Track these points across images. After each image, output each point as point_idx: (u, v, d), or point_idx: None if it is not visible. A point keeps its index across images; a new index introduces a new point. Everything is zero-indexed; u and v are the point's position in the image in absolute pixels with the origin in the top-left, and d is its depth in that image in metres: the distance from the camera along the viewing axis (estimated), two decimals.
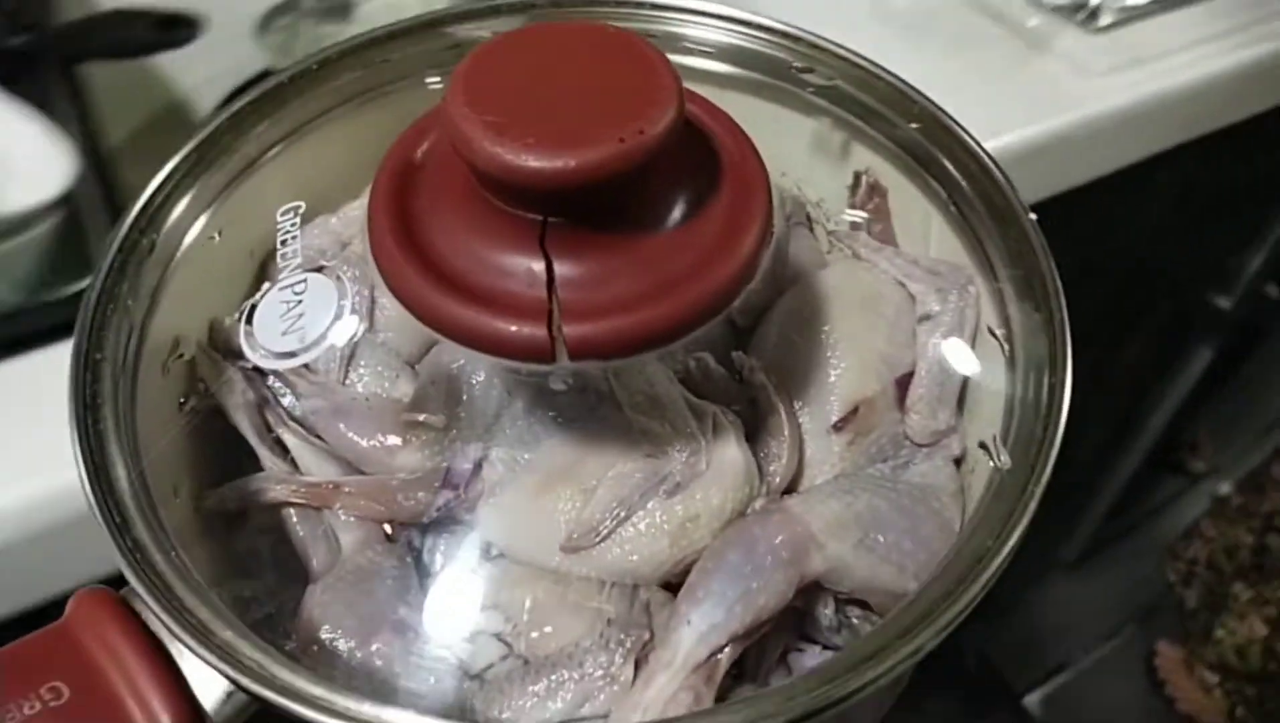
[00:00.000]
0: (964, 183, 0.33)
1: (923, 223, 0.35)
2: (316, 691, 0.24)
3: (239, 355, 0.33)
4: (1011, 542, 0.26)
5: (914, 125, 0.34)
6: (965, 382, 0.34)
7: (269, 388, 0.34)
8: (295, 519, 0.32)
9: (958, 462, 0.33)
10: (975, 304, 0.33)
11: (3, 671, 0.25)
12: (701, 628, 0.28)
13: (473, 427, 0.32)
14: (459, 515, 0.32)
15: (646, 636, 0.29)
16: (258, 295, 0.30)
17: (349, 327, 0.30)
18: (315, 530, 0.32)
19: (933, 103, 0.34)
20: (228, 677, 0.24)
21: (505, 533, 0.31)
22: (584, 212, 0.26)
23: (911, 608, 0.26)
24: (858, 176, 0.37)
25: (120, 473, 0.27)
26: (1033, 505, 0.26)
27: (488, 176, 0.25)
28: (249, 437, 0.32)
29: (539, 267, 0.26)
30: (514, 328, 0.25)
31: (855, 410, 0.33)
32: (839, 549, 0.30)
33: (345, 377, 0.34)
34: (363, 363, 0.34)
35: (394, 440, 0.32)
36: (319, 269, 0.31)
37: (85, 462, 0.27)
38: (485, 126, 0.24)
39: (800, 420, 0.33)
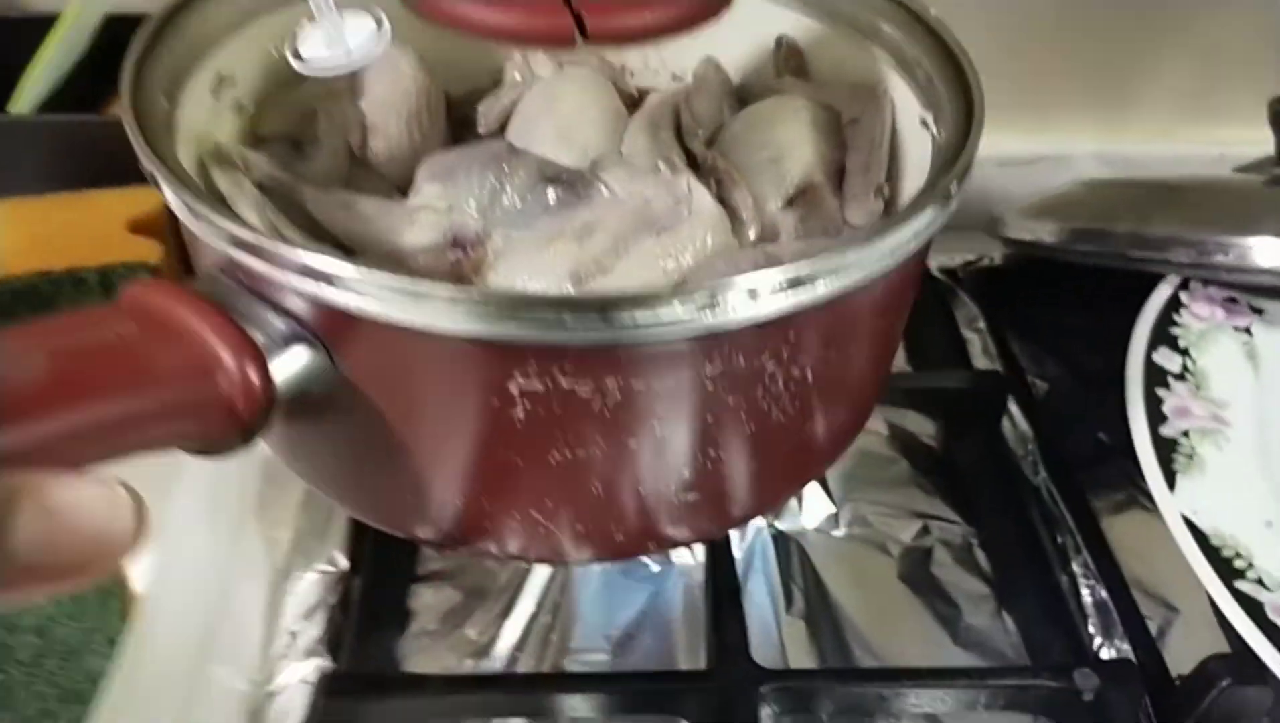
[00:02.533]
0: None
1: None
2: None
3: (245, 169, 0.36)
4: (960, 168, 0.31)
5: None
6: (891, 167, 0.40)
7: (273, 194, 0.36)
8: None
9: None
10: (889, 108, 0.40)
11: (69, 320, 0.25)
12: None
13: (472, 211, 0.35)
14: (467, 277, 0.35)
15: None
16: (298, 29, 0.33)
17: (386, 40, 0.33)
18: None
19: None
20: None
21: (514, 286, 0.34)
22: None
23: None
24: (778, 41, 0.44)
25: None
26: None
27: None
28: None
29: None
30: (539, 18, 0.30)
31: (804, 191, 0.39)
32: None
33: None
34: (362, 190, 0.38)
35: (400, 220, 0.35)
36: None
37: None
38: None
39: (759, 201, 0.38)
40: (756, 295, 0.26)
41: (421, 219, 0.35)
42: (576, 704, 0.40)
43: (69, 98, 0.57)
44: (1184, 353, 0.44)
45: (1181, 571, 0.48)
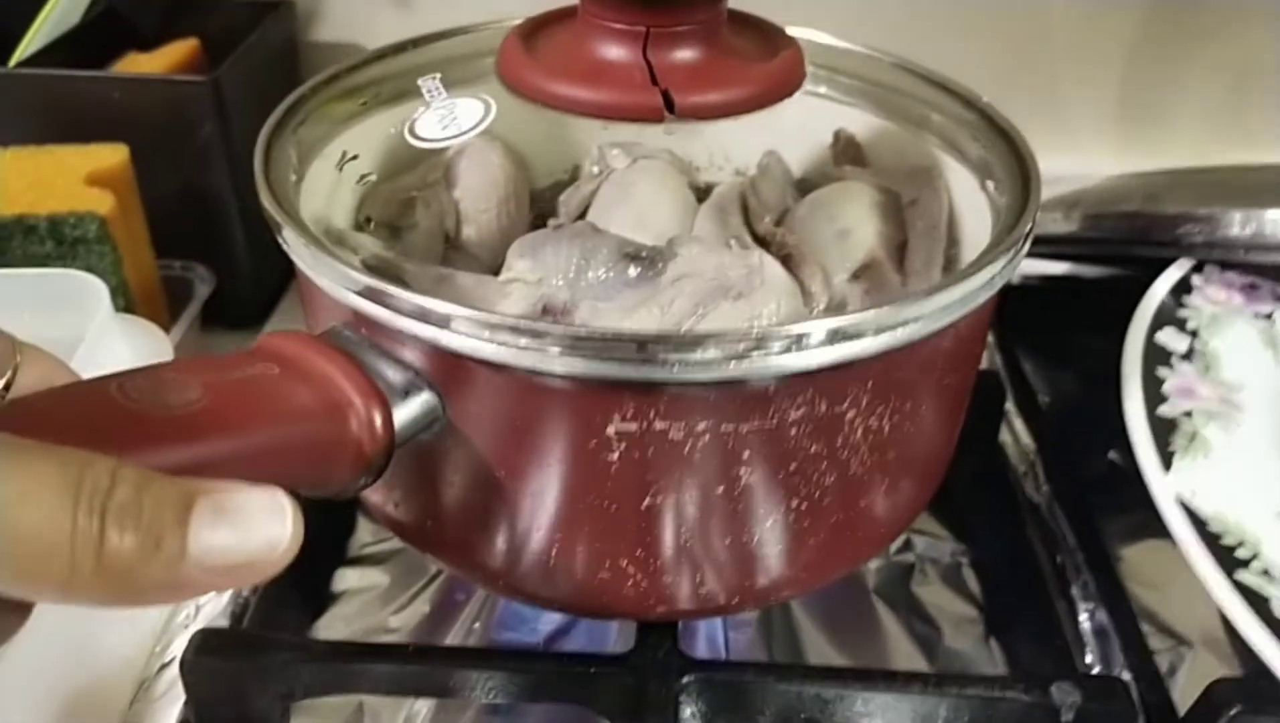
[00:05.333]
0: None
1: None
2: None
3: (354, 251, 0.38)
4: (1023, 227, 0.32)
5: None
6: (949, 242, 0.40)
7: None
8: None
9: None
10: (945, 189, 0.40)
11: (214, 360, 0.27)
12: None
13: (560, 284, 0.36)
14: None
15: None
16: (415, 114, 0.36)
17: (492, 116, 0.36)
18: None
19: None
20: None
21: None
22: (676, 20, 0.33)
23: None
24: (836, 135, 0.45)
25: None
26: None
27: None
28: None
29: (643, 63, 0.33)
30: (631, 96, 0.33)
31: (867, 265, 0.39)
32: None
33: None
34: (455, 267, 0.40)
35: (494, 292, 0.37)
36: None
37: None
38: None
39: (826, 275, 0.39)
40: (836, 337, 0.27)
41: (514, 291, 0.36)
42: (475, 684, 0.35)
43: (69, 54, 0.57)
44: (1193, 335, 0.39)
45: (1199, 604, 0.42)
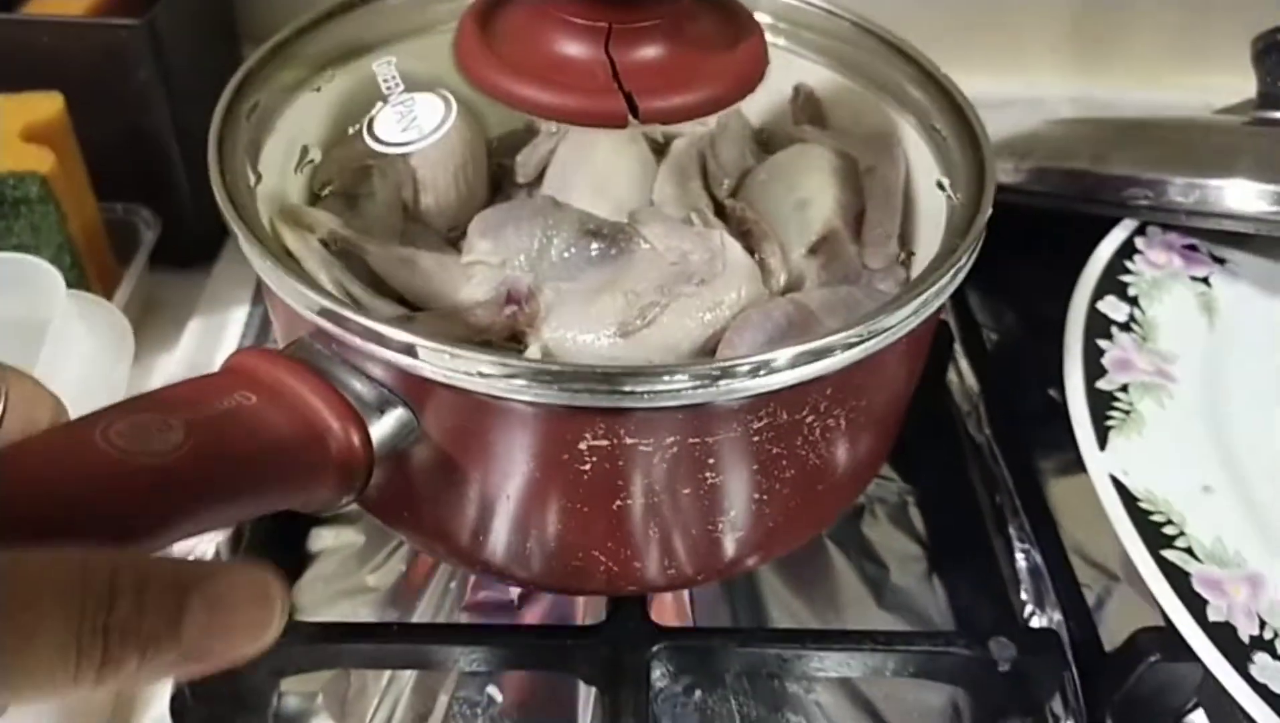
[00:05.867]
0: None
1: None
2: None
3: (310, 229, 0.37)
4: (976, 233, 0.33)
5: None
6: (907, 218, 0.40)
7: (338, 253, 0.37)
8: None
9: None
10: (903, 157, 0.41)
11: (191, 389, 0.27)
12: None
13: (523, 265, 0.36)
14: (522, 330, 0.35)
15: None
16: (374, 111, 0.35)
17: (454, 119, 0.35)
18: None
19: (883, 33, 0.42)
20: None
21: (565, 338, 0.35)
22: (639, 16, 0.32)
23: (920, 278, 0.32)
24: (796, 89, 0.45)
25: None
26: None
27: None
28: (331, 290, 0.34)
29: (605, 60, 0.32)
30: (595, 100, 0.32)
31: (825, 238, 0.39)
32: (833, 323, 0.35)
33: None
34: (415, 243, 0.39)
35: (458, 275, 0.36)
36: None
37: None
38: None
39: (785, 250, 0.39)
40: (800, 361, 0.29)
41: (477, 273, 0.36)
42: (463, 657, 0.37)
43: None
44: (1133, 302, 0.41)
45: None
